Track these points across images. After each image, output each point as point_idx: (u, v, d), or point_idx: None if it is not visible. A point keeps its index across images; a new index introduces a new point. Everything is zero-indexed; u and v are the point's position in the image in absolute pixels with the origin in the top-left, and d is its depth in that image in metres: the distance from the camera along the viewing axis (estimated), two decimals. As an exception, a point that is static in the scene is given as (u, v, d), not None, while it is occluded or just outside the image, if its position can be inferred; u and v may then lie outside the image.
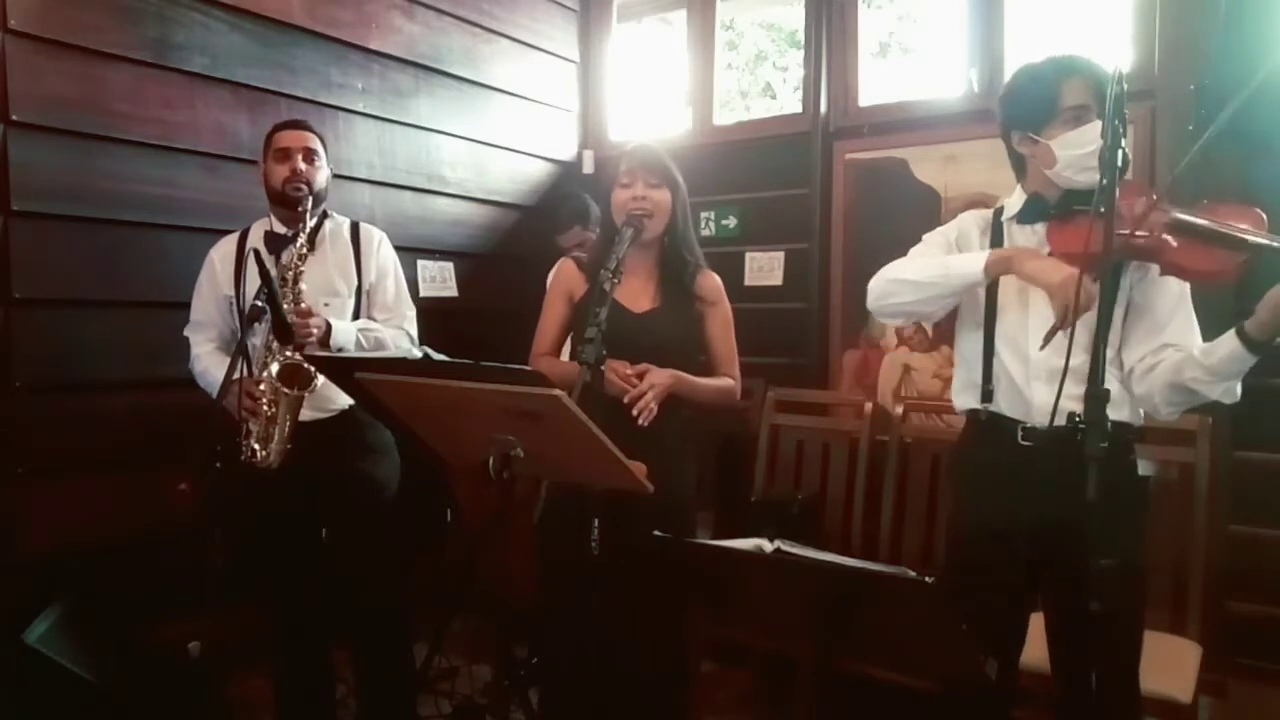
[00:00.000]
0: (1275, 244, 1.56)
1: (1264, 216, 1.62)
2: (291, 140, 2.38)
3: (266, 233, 2.38)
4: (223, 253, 2.43)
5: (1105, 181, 1.43)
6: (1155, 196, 1.64)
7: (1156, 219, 1.63)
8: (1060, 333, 1.64)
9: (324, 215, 2.47)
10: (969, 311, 1.90)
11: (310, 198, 2.33)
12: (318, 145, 2.42)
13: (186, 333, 2.45)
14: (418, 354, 2.49)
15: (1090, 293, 1.57)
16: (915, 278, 1.83)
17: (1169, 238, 1.63)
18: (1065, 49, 1.79)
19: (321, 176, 2.41)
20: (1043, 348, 1.71)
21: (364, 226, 2.53)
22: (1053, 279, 1.65)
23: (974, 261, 1.76)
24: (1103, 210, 1.41)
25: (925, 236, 1.98)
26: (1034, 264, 1.70)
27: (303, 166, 2.35)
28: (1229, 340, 1.61)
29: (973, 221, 1.93)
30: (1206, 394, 1.67)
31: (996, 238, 1.88)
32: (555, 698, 2.26)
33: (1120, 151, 1.42)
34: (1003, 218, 1.88)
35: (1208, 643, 2.37)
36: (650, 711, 2.15)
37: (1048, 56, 1.79)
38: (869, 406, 3.14)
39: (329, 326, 2.26)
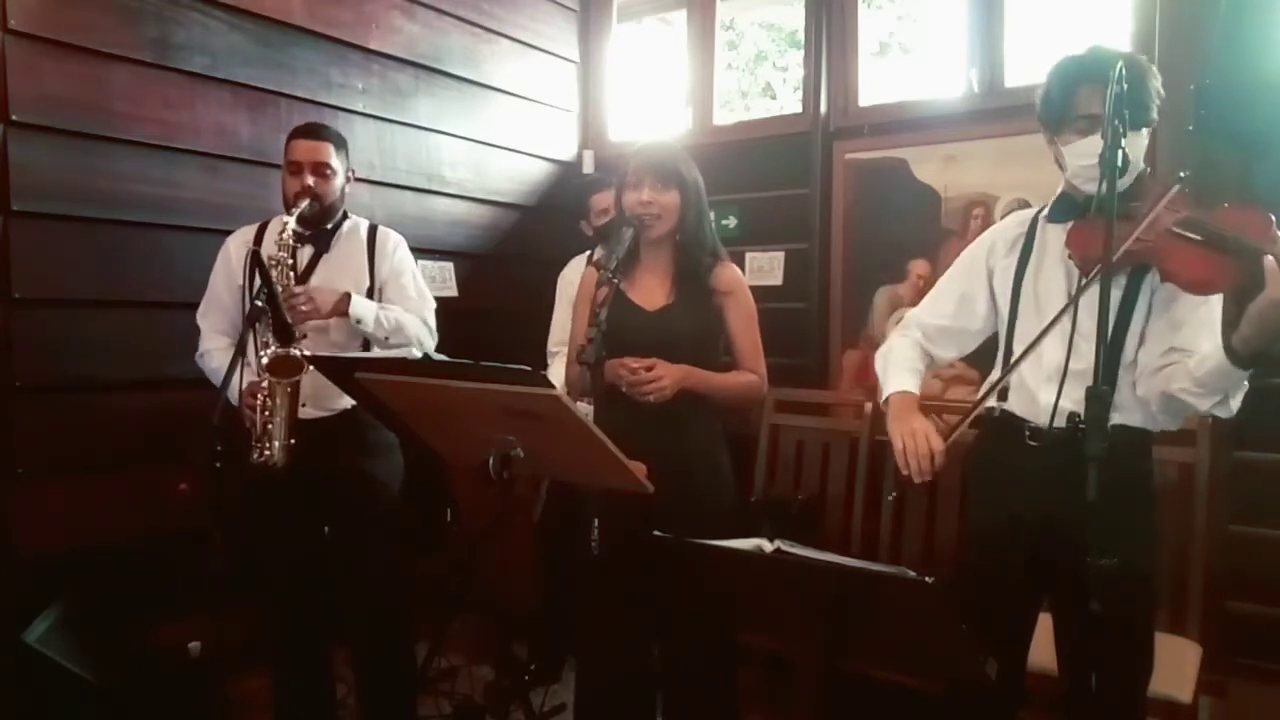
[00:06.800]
0: (1263, 248, 1.46)
1: (1273, 219, 1.51)
2: (304, 154, 2.39)
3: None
4: (239, 242, 2.46)
5: (1105, 186, 1.41)
6: (1168, 198, 1.60)
7: (1163, 221, 1.59)
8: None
9: (343, 216, 2.50)
10: (1001, 322, 1.90)
11: (317, 210, 2.37)
12: (330, 155, 2.42)
13: (198, 319, 2.48)
14: (417, 354, 2.50)
15: (932, 445, 1.72)
16: (881, 360, 2.01)
17: (1168, 242, 1.58)
18: (1099, 44, 1.71)
19: (333, 187, 2.43)
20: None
21: (381, 229, 2.56)
22: (893, 429, 1.80)
23: (887, 388, 1.93)
24: (1101, 214, 1.40)
25: (960, 256, 1.99)
26: (892, 417, 1.84)
27: (311, 181, 2.37)
28: (1216, 353, 1.55)
29: (1011, 227, 1.91)
30: (1196, 406, 1.60)
31: (1029, 243, 1.85)
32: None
33: (1120, 152, 1.41)
34: (1041, 215, 1.86)
35: (1208, 643, 2.38)
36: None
37: (1086, 50, 1.71)
38: (869, 406, 3.13)
39: (348, 296, 2.31)
